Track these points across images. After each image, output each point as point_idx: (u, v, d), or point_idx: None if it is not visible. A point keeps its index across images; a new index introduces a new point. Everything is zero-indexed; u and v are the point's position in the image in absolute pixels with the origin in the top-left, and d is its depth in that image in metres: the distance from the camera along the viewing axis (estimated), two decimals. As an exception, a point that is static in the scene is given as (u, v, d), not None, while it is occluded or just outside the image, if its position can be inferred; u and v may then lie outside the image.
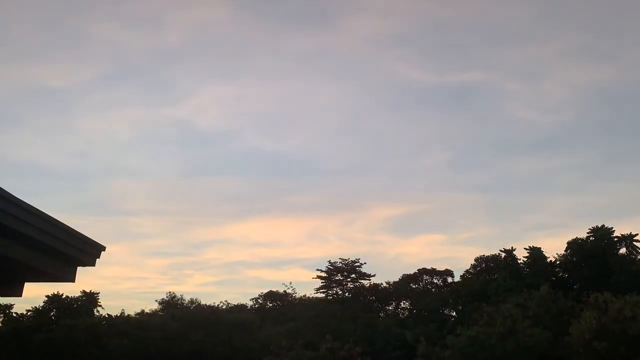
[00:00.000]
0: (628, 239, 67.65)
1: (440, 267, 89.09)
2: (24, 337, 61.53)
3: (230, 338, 62.33)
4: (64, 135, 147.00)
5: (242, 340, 62.17)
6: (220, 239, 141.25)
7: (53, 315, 69.60)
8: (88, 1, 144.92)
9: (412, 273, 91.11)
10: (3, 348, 60.81)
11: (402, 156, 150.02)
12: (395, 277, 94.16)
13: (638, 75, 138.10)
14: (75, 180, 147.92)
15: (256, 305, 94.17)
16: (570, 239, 68.87)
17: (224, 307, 79.70)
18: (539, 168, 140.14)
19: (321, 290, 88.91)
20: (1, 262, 5.72)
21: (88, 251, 6.51)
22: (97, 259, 6.71)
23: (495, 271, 75.14)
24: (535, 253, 69.74)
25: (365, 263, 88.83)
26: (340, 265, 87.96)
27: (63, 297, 71.11)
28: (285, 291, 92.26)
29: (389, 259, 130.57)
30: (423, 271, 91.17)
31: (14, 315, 68.17)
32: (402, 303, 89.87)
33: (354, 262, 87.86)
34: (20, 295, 7.02)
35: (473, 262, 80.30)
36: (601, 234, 66.58)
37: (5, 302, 67.77)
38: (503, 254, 74.40)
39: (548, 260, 69.84)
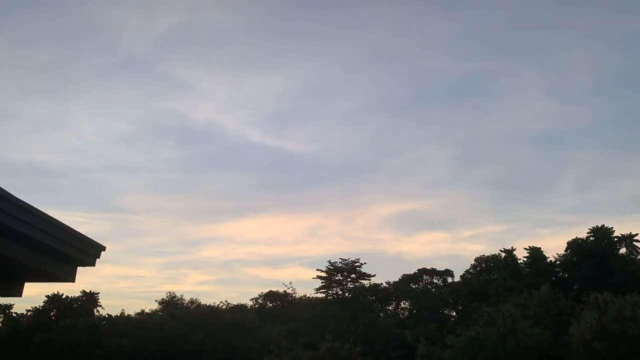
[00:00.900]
0: (628, 239, 67.66)
1: (443, 266, 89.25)
2: (24, 337, 61.48)
3: (230, 338, 62.28)
4: (60, 131, 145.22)
5: (242, 340, 62.12)
6: (218, 237, 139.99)
7: (53, 315, 69.58)
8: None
9: (412, 273, 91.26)
10: (3, 348, 60.81)
11: (404, 152, 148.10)
12: (396, 275, 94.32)
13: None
14: (71, 176, 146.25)
15: (256, 305, 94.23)
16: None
17: (223, 307, 79.71)
18: (546, 163, 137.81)
19: (321, 290, 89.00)
20: (1, 262, 5.72)
21: (88, 251, 6.51)
22: (97, 259, 6.71)
23: (495, 271, 75.14)
24: (535, 253, 69.81)
25: (365, 263, 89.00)
26: (340, 265, 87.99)
27: (63, 297, 71.12)
28: (285, 291, 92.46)
29: (390, 257, 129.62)
30: (423, 271, 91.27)
31: (14, 315, 68.16)
32: (402, 303, 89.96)
33: (354, 262, 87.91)
34: (20, 295, 7.01)
35: (473, 262, 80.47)
36: (601, 234, 66.60)
37: (5, 302, 67.80)
38: (503, 254, 74.50)
39: (548, 260, 69.91)
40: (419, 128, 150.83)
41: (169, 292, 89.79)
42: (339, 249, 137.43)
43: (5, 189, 5.16)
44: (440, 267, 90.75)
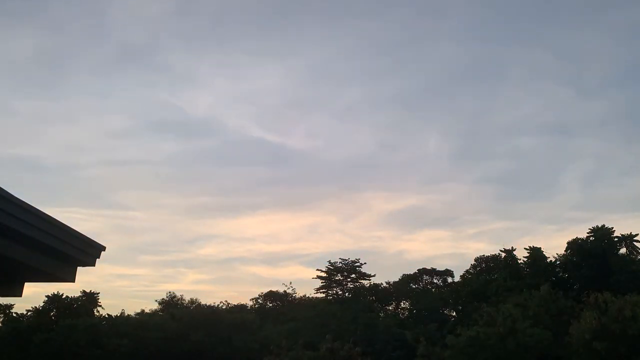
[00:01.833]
0: (628, 239, 67.68)
1: (447, 264, 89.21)
2: (24, 337, 61.44)
3: (230, 338, 62.31)
4: (56, 126, 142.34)
5: (242, 340, 62.14)
6: (216, 235, 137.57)
7: (53, 315, 69.53)
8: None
9: (412, 273, 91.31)
10: (3, 348, 60.82)
11: (405, 146, 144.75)
12: (398, 274, 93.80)
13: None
14: (66, 172, 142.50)
15: (256, 305, 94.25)
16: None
17: (223, 307, 79.78)
18: (552, 156, 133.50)
19: (321, 290, 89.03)
20: (1, 262, 5.72)
21: (88, 251, 6.51)
22: (97, 259, 6.71)
23: (495, 271, 75.19)
24: (535, 253, 69.89)
25: (365, 263, 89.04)
26: (340, 265, 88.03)
27: (63, 297, 71.09)
28: (285, 291, 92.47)
29: (391, 255, 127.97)
30: (423, 271, 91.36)
31: (14, 315, 68.14)
32: (402, 303, 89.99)
33: (354, 262, 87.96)
34: (20, 295, 7.01)
35: (473, 262, 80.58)
36: (601, 234, 66.61)
37: (5, 302, 67.79)
38: (503, 254, 74.58)
39: (548, 260, 69.96)
40: (421, 120, 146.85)
41: (169, 292, 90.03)
42: (339, 247, 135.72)
43: (5, 189, 5.16)
44: (443, 266, 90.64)
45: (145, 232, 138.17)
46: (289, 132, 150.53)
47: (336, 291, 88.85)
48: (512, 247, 73.55)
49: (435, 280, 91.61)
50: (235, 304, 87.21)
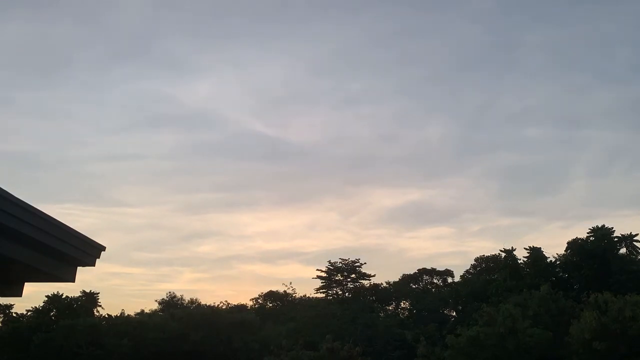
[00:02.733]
0: (628, 239, 67.72)
1: (448, 262, 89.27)
2: (24, 337, 61.49)
3: (230, 338, 62.30)
4: (52, 120, 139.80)
5: (242, 340, 62.13)
6: (214, 232, 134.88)
7: (53, 315, 69.60)
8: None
9: (412, 273, 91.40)
10: (3, 348, 60.83)
11: (407, 138, 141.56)
12: (399, 272, 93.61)
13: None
14: (62, 167, 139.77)
15: (256, 305, 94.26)
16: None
17: (223, 306, 79.79)
18: (560, 149, 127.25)
19: (321, 290, 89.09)
20: (1, 262, 5.71)
21: (88, 251, 6.50)
22: (97, 259, 6.71)
23: (495, 271, 75.21)
24: (535, 253, 69.91)
25: (365, 263, 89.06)
26: (340, 265, 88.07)
27: (63, 297, 71.14)
28: (285, 291, 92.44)
29: (392, 252, 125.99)
30: (423, 271, 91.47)
31: (14, 315, 68.24)
32: (402, 303, 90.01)
33: (354, 262, 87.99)
34: (20, 295, 7.01)
35: (473, 261, 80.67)
36: (601, 234, 66.63)
37: (5, 302, 67.90)
38: (503, 254, 74.59)
39: (548, 260, 69.99)
40: (423, 111, 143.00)
41: (169, 292, 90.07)
42: (339, 244, 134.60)
43: (5, 189, 5.15)
44: (446, 264, 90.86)
45: (142, 229, 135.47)
46: (289, 126, 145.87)
47: (336, 291, 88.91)
48: (512, 247, 73.62)
49: (435, 280, 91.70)
50: (235, 303, 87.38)
